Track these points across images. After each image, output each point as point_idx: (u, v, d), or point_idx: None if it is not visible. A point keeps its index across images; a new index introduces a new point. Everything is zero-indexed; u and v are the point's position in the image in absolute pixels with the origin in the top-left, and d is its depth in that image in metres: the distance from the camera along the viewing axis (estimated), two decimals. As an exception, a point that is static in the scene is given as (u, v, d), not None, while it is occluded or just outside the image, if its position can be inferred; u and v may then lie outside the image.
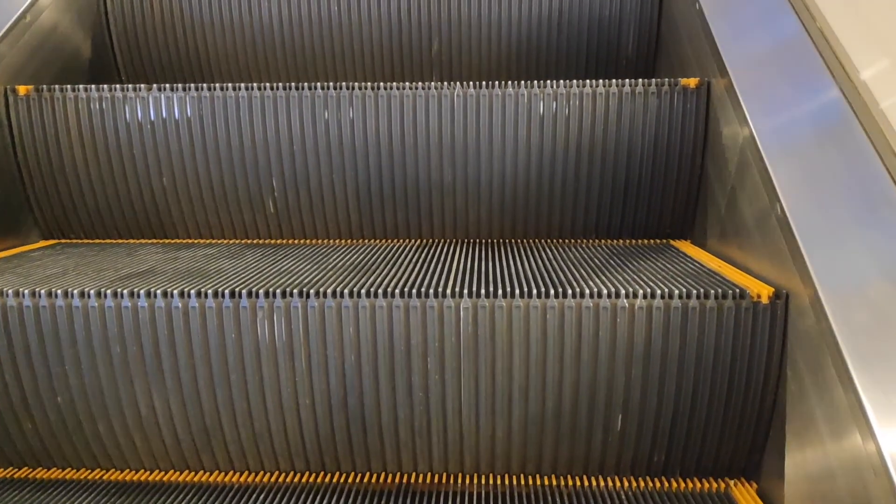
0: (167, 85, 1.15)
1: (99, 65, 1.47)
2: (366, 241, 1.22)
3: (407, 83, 1.14)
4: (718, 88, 1.08)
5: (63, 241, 1.24)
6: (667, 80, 1.12)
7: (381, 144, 1.16)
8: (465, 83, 1.14)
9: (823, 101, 0.88)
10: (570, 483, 0.89)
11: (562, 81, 1.13)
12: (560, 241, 1.20)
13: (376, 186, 1.18)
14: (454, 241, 1.20)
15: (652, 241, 1.20)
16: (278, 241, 1.22)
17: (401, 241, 1.21)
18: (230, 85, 1.15)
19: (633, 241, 1.19)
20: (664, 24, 1.43)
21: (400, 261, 1.02)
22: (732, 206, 1.01)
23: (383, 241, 1.21)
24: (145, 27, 1.49)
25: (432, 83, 1.14)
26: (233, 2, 1.48)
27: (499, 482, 0.89)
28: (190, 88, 1.15)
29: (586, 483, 0.89)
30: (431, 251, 1.10)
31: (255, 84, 1.14)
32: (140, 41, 1.50)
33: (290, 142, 1.16)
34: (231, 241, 1.22)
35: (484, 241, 1.21)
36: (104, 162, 1.18)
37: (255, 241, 1.22)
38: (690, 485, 0.88)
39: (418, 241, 1.21)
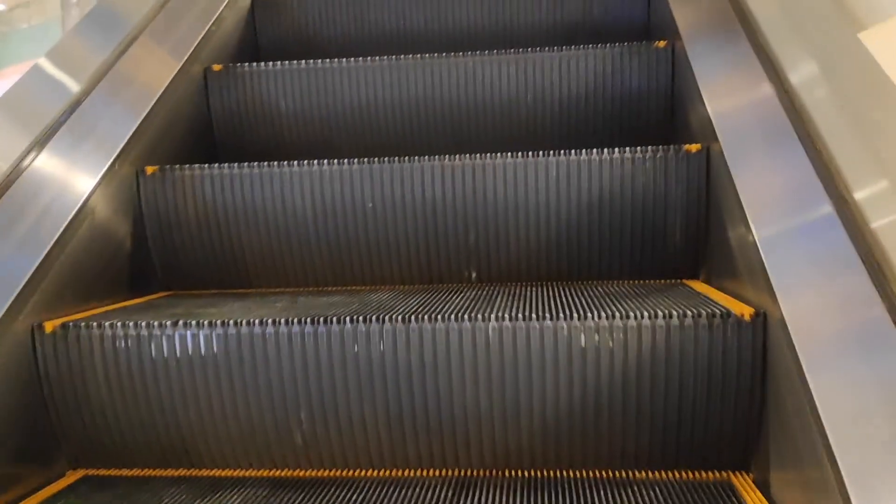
0: (192, 321, 1.12)
1: (138, 273, 1.46)
2: (398, 471, 1.15)
3: (439, 316, 1.08)
4: (774, 320, 0.99)
5: (90, 472, 1.20)
6: (718, 311, 1.04)
7: (413, 376, 1.10)
8: (499, 315, 1.08)
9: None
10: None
11: (603, 314, 1.06)
12: (609, 473, 1.11)
13: (409, 417, 1.11)
14: (491, 473, 1.12)
15: (711, 473, 1.10)
16: (307, 473, 1.16)
17: (435, 472, 1.14)
18: (256, 320, 1.11)
19: (691, 475, 1.10)
20: (713, 214, 1.36)
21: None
22: (789, 452, 0.91)
23: (417, 472, 1.14)
24: (181, 229, 1.48)
25: (466, 315, 1.08)
26: (266, 195, 1.46)
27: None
28: (216, 325, 1.11)
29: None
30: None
31: (281, 319, 1.11)
32: (177, 244, 1.49)
33: (319, 376, 1.11)
34: (260, 474, 1.16)
35: (525, 473, 1.12)
36: (130, 397, 1.14)
37: (283, 473, 1.16)
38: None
39: (454, 472, 1.13)
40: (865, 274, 0.92)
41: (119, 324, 1.13)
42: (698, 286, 1.33)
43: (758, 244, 1.07)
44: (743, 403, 1.05)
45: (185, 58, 1.73)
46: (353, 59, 1.78)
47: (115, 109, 1.52)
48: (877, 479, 0.73)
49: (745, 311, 1.04)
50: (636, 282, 1.43)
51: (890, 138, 1.01)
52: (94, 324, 1.14)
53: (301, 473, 1.16)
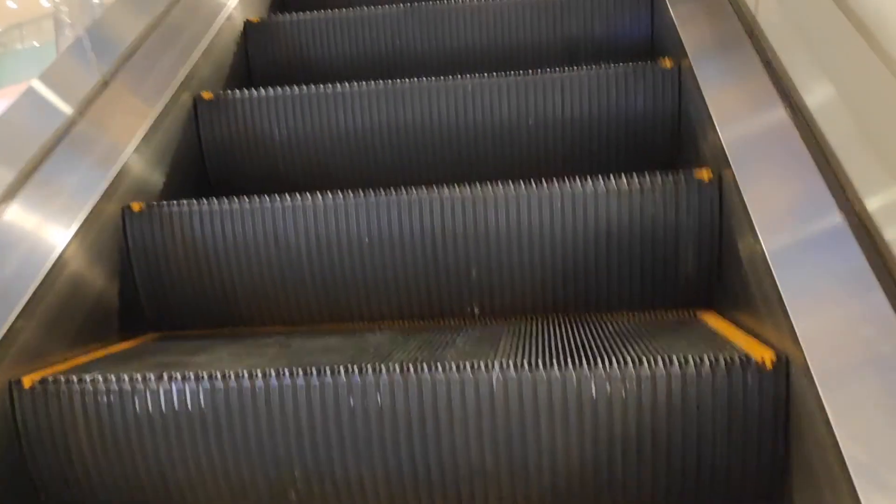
0: (178, 374, 1.06)
1: (126, 314, 1.40)
2: (400, 530, 1.08)
3: (439, 365, 1.02)
4: (798, 365, 0.93)
5: (73, 535, 1.13)
6: (737, 357, 0.97)
7: (413, 431, 1.03)
8: (504, 364, 1.01)
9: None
10: None
11: (615, 361, 0.99)
12: (624, 529, 1.04)
13: (409, 474, 1.05)
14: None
15: (733, 528, 1.03)
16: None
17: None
18: (246, 373, 1.04)
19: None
20: (726, 244, 1.29)
21: None
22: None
23: (420, 530, 1.07)
24: (170, 268, 1.41)
25: (467, 364, 1.02)
26: (258, 231, 1.40)
27: None
28: (202, 378, 1.05)
29: None
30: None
31: (271, 370, 1.04)
32: (165, 284, 1.42)
33: (313, 431, 1.04)
34: (252, 534, 1.09)
35: (535, 531, 1.06)
36: (114, 455, 1.08)
37: (278, 533, 1.09)
38: None
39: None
40: (891, 309, 0.86)
41: (101, 378, 1.07)
42: (713, 321, 1.27)
43: (775, 277, 1.01)
44: (766, 453, 0.98)
45: (174, 86, 1.67)
46: (347, 84, 1.72)
47: (99, 143, 1.46)
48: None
49: (766, 356, 0.97)
50: (647, 315, 1.36)
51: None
52: (75, 378, 1.07)
53: (296, 533, 1.09)
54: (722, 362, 0.97)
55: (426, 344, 1.19)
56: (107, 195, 1.37)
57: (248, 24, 2.11)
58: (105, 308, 1.35)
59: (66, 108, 1.47)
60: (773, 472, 0.99)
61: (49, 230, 1.24)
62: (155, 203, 1.43)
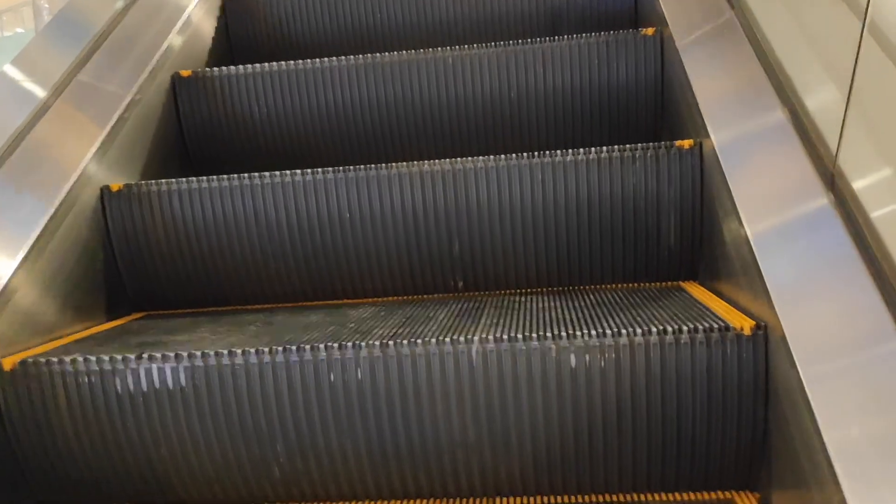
0: (159, 353, 1.05)
1: (108, 295, 1.39)
2: (382, 503, 1.09)
3: (419, 340, 1.02)
4: (776, 334, 0.93)
5: (59, 515, 1.14)
6: (716, 326, 0.97)
7: (394, 405, 1.03)
8: (483, 337, 1.01)
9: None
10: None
11: (594, 331, 0.99)
12: (607, 497, 1.05)
13: (392, 447, 1.05)
14: (482, 503, 1.06)
15: (712, 494, 1.03)
16: (287, 506, 1.10)
17: (423, 503, 1.08)
18: (226, 351, 1.04)
19: (692, 496, 1.04)
20: (707, 214, 1.29)
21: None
22: (793, 472, 0.85)
23: (403, 503, 1.08)
24: (151, 248, 1.40)
25: (447, 338, 1.02)
26: (238, 209, 1.39)
27: None
28: (182, 357, 1.05)
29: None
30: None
31: (251, 348, 1.04)
32: (147, 264, 1.41)
33: (295, 407, 1.04)
34: (236, 509, 1.10)
35: (518, 501, 1.06)
36: (97, 435, 1.08)
37: (262, 508, 1.10)
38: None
39: (443, 503, 1.07)
40: (868, 278, 0.86)
41: (81, 359, 1.06)
42: (695, 290, 1.27)
43: (753, 248, 1.01)
44: (745, 421, 0.99)
45: (152, 64, 1.65)
46: (327, 59, 1.70)
47: (76, 124, 1.45)
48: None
49: (745, 325, 0.97)
50: (630, 286, 1.36)
51: None
52: (55, 360, 1.07)
53: (280, 508, 1.10)
54: (701, 330, 0.97)
55: (408, 319, 1.19)
56: (84, 176, 1.36)
57: (226, 1, 2.08)
58: (86, 289, 1.34)
59: (41, 92, 1.45)
60: (753, 438, 1.00)
61: (23, 215, 1.23)
62: (134, 183, 1.41)
